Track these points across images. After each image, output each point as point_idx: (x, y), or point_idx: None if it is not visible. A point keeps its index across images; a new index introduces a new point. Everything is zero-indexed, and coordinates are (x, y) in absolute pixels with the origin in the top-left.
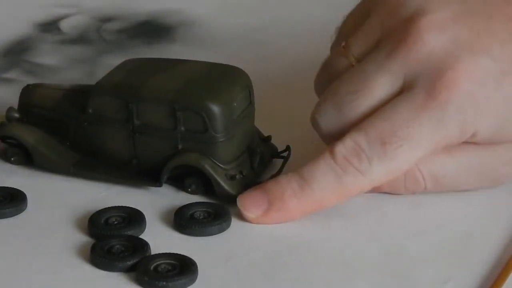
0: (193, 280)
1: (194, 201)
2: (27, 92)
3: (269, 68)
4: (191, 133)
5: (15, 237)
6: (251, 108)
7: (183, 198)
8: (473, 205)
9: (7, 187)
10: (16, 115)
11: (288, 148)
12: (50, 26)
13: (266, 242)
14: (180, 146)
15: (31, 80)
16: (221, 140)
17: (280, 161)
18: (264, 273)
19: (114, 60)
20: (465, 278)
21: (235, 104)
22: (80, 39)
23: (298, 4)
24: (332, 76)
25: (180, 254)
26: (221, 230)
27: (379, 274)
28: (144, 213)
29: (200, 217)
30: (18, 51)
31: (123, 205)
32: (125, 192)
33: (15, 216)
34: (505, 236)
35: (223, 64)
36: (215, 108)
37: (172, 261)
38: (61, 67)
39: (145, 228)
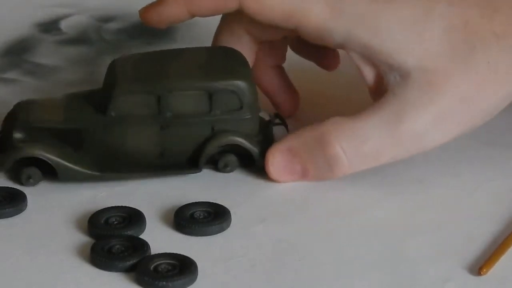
0: (193, 280)
1: (194, 200)
2: (23, 111)
3: None
4: (226, 113)
5: (15, 237)
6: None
7: (183, 198)
8: (473, 205)
9: (7, 187)
10: (20, 135)
11: (278, 115)
12: (50, 26)
13: (266, 242)
14: (215, 128)
15: (31, 80)
16: (250, 115)
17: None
18: (264, 273)
19: None
20: (465, 278)
21: (251, 79)
22: (80, 39)
23: None
24: None
25: (180, 254)
26: (221, 230)
27: (379, 274)
28: (144, 213)
29: (200, 217)
30: (18, 51)
31: (123, 205)
32: (125, 192)
33: (15, 216)
34: (505, 236)
35: (216, 46)
36: (246, 85)
37: (172, 261)
38: (61, 67)
39: (145, 228)
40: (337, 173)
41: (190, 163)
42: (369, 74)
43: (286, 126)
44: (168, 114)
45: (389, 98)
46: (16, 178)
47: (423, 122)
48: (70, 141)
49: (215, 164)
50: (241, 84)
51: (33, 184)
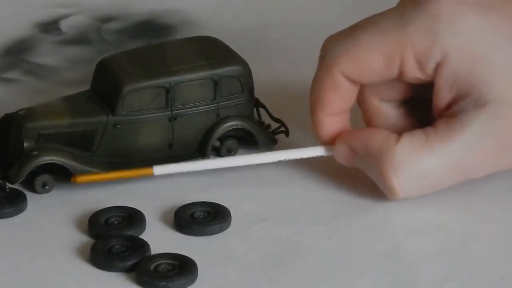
0: (193, 280)
1: (194, 200)
2: (26, 119)
3: (269, 68)
4: (228, 98)
5: (15, 237)
6: None
7: (183, 198)
8: (473, 205)
9: (7, 187)
10: (30, 144)
11: (279, 121)
12: (50, 26)
13: (266, 242)
14: (220, 115)
15: (31, 80)
16: (249, 99)
17: None
18: (264, 273)
19: None
20: (465, 278)
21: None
22: (80, 39)
23: (298, 4)
24: None
25: (180, 254)
26: (221, 230)
27: (379, 274)
28: (144, 213)
29: (200, 217)
30: (18, 51)
31: (123, 205)
32: (125, 192)
33: (15, 216)
34: (505, 236)
35: (195, 36)
36: (245, 69)
37: (172, 261)
38: (61, 67)
39: (145, 228)
40: (390, 197)
41: (197, 151)
42: (444, 98)
43: (287, 133)
44: (176, 105)
45: (456, 129)
46: (27, 187)
47: (486, 155)
48: (79, 143)
49: (216, 150)
50: (241, 68)
51: (48, 191)
